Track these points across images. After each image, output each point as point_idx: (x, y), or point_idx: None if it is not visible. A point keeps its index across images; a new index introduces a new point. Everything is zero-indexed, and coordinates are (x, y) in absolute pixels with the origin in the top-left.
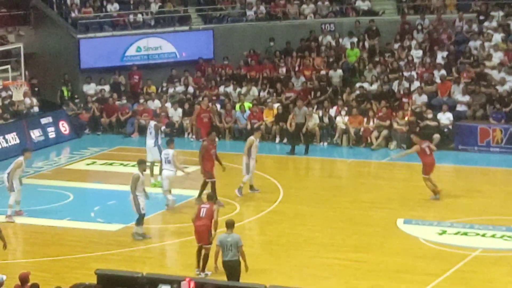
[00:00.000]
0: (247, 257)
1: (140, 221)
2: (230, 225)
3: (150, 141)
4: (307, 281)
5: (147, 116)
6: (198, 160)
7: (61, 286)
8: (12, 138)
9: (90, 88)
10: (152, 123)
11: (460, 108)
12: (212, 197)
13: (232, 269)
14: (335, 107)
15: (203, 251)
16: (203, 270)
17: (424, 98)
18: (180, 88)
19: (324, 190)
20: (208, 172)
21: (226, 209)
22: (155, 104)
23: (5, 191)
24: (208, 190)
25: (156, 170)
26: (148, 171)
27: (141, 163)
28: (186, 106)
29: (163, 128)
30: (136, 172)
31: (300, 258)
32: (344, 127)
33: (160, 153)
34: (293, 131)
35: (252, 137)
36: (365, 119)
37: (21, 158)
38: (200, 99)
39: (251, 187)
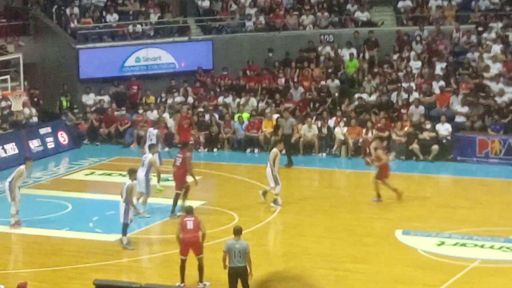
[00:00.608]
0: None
1: (125, 230)
2: (238, 231)
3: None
4: None
5: (146, 126)
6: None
7: None
8: (11, 148)
9: (89, 99)
10: (154, 131)
11: (458, 119)
12: (192, 210)
13: (240, 276)
14: (334, 118)
15: (197, 262)
16: (201, 280)
17: (422, 110)
18: (179, 99)
19: (322, 201)
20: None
21: (224, 220)
22: (154, 114)
23: (3, 201)
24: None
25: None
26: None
27: (132, 173)
28: None
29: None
30: (130, 183)
31: (298, 268)
32: (343, 138)
33: (160, 160)
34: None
35: (276, 149)
36: (364, 130)
37: (22, 167)
38: (182, 107)
39: (275, 201)
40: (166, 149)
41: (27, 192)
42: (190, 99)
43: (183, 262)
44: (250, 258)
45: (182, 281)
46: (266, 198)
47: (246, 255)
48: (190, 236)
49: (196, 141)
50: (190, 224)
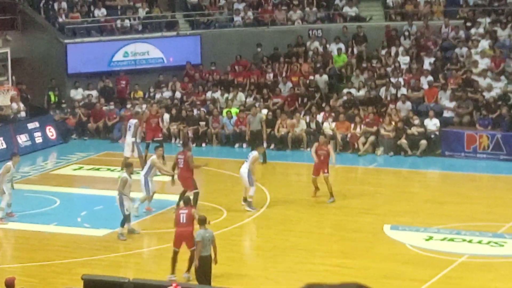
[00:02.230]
0: (233, 263)
1: (123, 222)
2: (204, 221)
3: (128, 137)
4: (293, 287)
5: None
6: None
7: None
8: (0, 143)
9: (77, 93)
10: (134, 121)
11: (447, 114)
12: (189, 202)
13: (208, 264)
14: (322, 113)
15: (189, 254)
16: (188, 270)
17: (409, 105)
18: (167, 94)
19: (310, 196)
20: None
21: (213, 215)
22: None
23: None
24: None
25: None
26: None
27: (129, 166)
28: (173, 111)
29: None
30: (124, 175)
31: (287, 263)
32: (331, 133)
33: (138, 149)
34: (250, 139)
35: (256, 153)
36: (352, 125)
37: (9, 163)
38: (150, 105)
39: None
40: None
41: (15, 187)
42: (178, 94)
43: (175, 254)
44: (216, 246)
45: (173, 272)
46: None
47: (213, 243)
48: (182, 229)
49: (185, 136)
50: (183, 217)
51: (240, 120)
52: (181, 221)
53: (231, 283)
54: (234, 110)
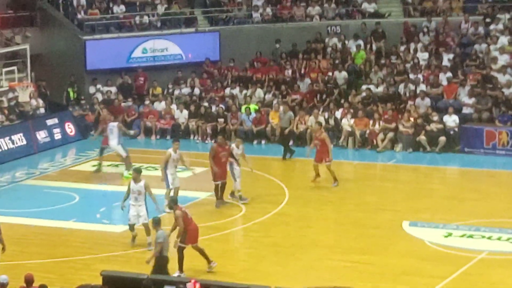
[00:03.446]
0: (251, 259)
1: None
2: (159, 222)
3: (113, 141)
4: (312, 283)
5: (153, 117)
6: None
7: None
8: (19, 139)
9: (96, 90)
10: (114, 123)
11: (466, 110)
12: (175, 200)
13: (166, 264)
14: (341, 109)
15: (196, 249)
16: (210, 261)
17: (427, 102)
18: (186, 90)
19: (329, 192)
20: (214, 174)
21: (231, 211)
22: (161, 105)
23: (5, 193)
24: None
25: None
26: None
27: (174, 141)
28: (192, 107)
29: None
30: (169, 150)
31: (305, 260)
32: (350, 129)
33: (124, 150)
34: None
35: (232, 145)
36: (371, 122)
37: None
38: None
39: (233, 194)
40: (132, 132)
41: (34, 183)
42: (197, 90)
43: (182, 251)
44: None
45: (182, 270)
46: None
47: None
48: (194, 225)
49: (203, 132)
50: (188, 213)
51: (258, 120)
52: (189, 216)
53: (250, 279)
54: (252, 107)
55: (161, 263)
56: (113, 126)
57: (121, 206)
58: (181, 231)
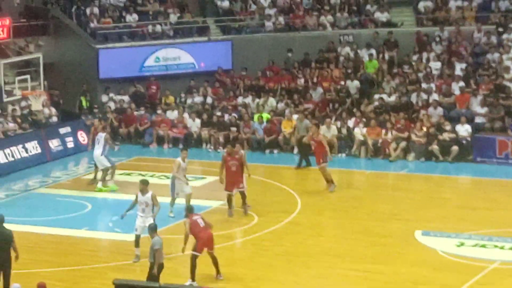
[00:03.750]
0: (263, 267)
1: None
2: (155, 228)
3: (97, 151)
4: None
5: (166, 126)
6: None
7: None
8: (32, 148)
9: (108, 98)
10: (102, 134)
11: (478, 120)
12: (191, 209)
13: (161, 271)
14: (353, 119)
15: (210, 257)
16: (219, 272)
17: (440, 111)
18: (198, 99)
19: (342, 201)
20: (225, 184)
21: (243, 220)
22: (174, 114)
23: (18, 201)
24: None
25: (108, 176)
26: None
27: (183, 150)
28: (205, 116)
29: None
30: (178, 159)
31: (317, 269)
32: (362, 138)
33: (109, 161)
34: (298, 145)
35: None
36: (384, 131)
37: None
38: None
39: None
40: (116, 147)
41: (47, 192)
42: (209, 99)
43: (195, 259)
44: None
45: (194, 279)
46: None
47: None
48: (207, 233)
49: (216, 141)
50: (201, 222)
51: (269, 130)
52: (201, 225)
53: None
54: (265, 116)
55: (160, 269)
56: (101, 137)
57: (123, 215)
58: (185, 237)
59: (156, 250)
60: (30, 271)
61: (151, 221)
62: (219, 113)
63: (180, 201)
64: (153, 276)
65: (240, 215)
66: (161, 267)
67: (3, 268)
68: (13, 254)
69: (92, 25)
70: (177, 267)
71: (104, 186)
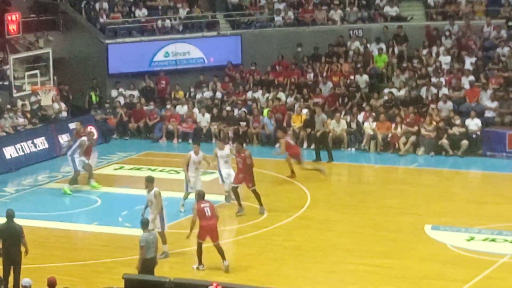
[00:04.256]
0: (273, 262)
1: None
2: (147, 224)
3: (70, 151)
4: (334, 287)
5: (175, 121)
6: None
7: None
8: (41, 143)
9: (118, 93)
10: (83, 139)
11: (488, 114)
12: (202, 196)
13: (152, 266)
14: (363, 113)
15: (216, 248)
16: (224, 258)
17: (450, 105)
18: (208, 94)
19: (351, 196)
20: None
21: (254, 215)
22: (183, 109)
23: (28, 196)
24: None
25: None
26: None
27: (195, 143)
28: (215, 111)
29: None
30: (189, 153)
31: (327, 263)
32: (372, 133)
33: (73, 165)
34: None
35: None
36: (393, 125)
37: None
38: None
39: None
40: (87, 161)
41: (57, 186)
42: (219, 94)
43: (200, 245)
44: (157, 248)
45: (200, 262)
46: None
47: (156, 245)
48: (210, 223)
49: (225, 135)
50: (208, 211)
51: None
52: (207, 214)
53: (271, 283)
54: (265, 111)
55: (144, 265)
56: (79, 140)
57: (142, 213)
58: (192, 223)
59: (140, 247)
60: (40, 265)
61: (157, 219)
62: (229, 108)
63: (193, 196)
64: (142, 272)
65: (248, 209)
66: (149, 262)
67: (14, 263)
68: (23, 249)
69: (101, 20)
70: (186, 262)
71: (68, 189)
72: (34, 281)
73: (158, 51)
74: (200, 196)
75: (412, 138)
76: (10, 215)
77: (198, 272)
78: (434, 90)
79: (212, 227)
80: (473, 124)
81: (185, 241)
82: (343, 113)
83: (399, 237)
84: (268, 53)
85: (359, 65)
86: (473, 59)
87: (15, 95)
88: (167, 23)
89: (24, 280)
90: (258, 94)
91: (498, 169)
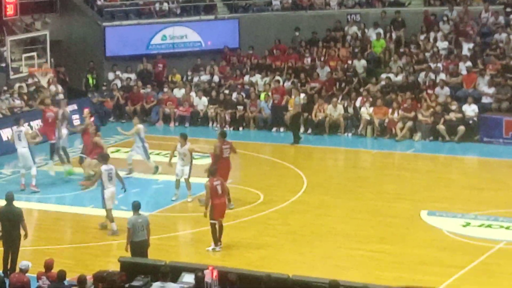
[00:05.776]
0: (269, 247)
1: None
2: (137, 207)
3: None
4: (330, 272)
5: (172, 104)
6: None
7: (84, 274)
8: (37, 125)
9: (115, 76)
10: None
11: (485, 100)
12: (213, 172)
13: (143, 249)
14: (360, 98)
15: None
16: (220, 240)
17: (447, 91)
18: (205, 77)
19: (348, 181)
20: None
21: (249, 199)
22: (180, 92)
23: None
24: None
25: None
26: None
27: (181, 136)
28: (213, 93)
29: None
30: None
31: (323, 248)
32: (368, 118)
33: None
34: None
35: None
36: (390, 110)
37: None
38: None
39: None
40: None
41: (53, 169)
42: (216, 78)
43: (214, 226)
44: (150, 230)
45: (216, 243)
46: None
47: (147, 228)
48: (222, 201)
49: (222, 119)
50: (219, 189)
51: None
52: (219, 192)
53: (267, 267)
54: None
55: (132, 248)
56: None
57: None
58: (206, 201)
59: (127, 229)
60: (36, 248)
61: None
62: (226, 91)
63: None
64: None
65: (245, 193)
66: (137, 245)
67: (13, 246)
68: (22, 232)
69: (99, 2)
70: (181, 245)
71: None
72: (31, 264)
73: (155, 34)
74: (212, 173)
75: (409, 124)
76: (10, 198)
77: (193, 255)
78: (431, 76)
79: (223, 205)
80: (470, 110)
81: (180, 225)
82: (340, 98)
83: (395, 223)
84: (266, 37)
85: (356, 50)
86: (471, 45)
87: (12, 77)
88: (165, 6)
89: (22, 263)
90: (256, 78)
91: (494, 155)
